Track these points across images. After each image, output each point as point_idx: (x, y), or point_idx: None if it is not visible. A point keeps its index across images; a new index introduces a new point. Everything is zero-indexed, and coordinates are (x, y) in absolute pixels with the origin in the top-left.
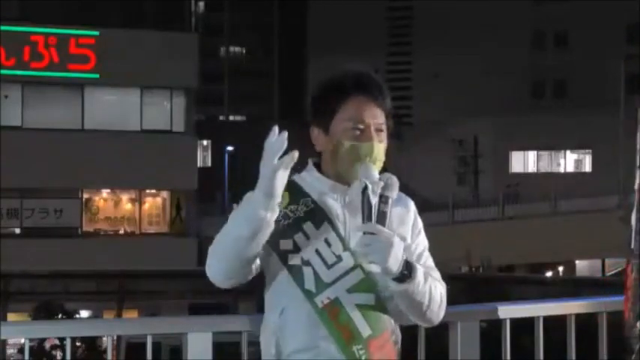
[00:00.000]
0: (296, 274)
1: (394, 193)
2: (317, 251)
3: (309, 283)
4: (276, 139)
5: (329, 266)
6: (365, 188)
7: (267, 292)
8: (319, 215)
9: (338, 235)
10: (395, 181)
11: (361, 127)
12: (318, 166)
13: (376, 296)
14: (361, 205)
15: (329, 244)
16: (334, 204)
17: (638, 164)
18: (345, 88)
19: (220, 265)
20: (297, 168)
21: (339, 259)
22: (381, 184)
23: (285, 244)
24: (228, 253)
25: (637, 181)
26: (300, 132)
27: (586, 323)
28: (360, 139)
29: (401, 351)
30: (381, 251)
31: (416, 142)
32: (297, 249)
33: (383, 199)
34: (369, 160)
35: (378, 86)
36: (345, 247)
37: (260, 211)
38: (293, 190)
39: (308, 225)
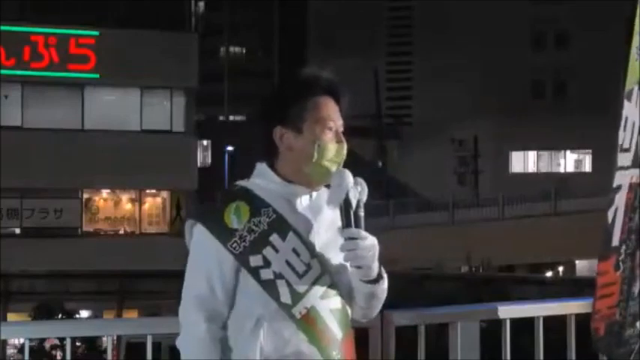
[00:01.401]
0: (269, 288)
1: (365, 196)
2: (287, 262)
3: (285, 296)
4: None
5: (300, 276)
6: (347, 193)
7: (237, 297)
8: (283, 225)
9: (304, 242)
10: (365, 185)
11: (334, 128)
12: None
13: (341, 299)
14: (340, 210)
15: (297, 254)
16: (295, 209)
17: (617, 165)
18: (319, 89)
19: None
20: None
21: (309, 267)
22: (359, 188)
23: (255, 261)
24: None
25: (618, 180)
26: None
27: (586, 323)
28: (336, 139)
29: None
30: (367, 256)
31: (416, 142)
32: (267, 263)
33: (359, 203)
34: (340, 162)
35: (342, 90)
36: (313, 254)
37: None
38: (251, 200)
39: (274, 237)
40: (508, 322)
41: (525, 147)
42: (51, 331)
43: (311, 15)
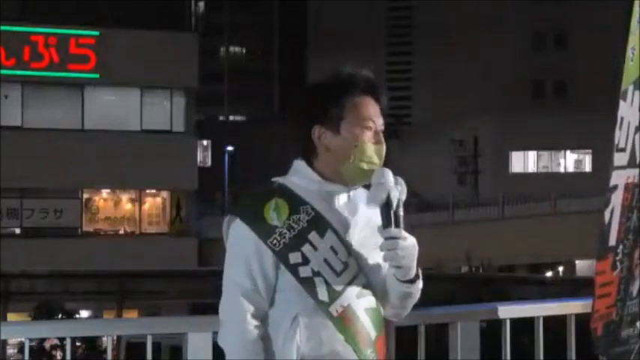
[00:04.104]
0: (308, 285)
1: (404, 195)
2: (325, 260)
3: (323, 294)
4: None
5: (338, 274)
6: (388, 192)
7: (275, 295)
8: (321, 223)
9: (341, 240)
10: (404, 185)
11: (373, 128)
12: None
13: (375, 298)
14: (381, 209)
15: (335, 252)
16: (332, 208)
17: (613, 165)
18: (357, 89)
19: None
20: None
21: (346, 265)
22: (399, 187)
23: (295, 258)
24: None
25: (614, 180)
26: None
27: (586, 323)
28: (374, 140)
29: (396, 350)
30: (407, 255)
31: (416, 142)
32: (306, 261)
33: (398, 202)
34: (378, 163)
35: (380, 88)
36: (350, 253)
37: None
38: (290, 197)
39: (313, 235)
40: (508, 322)
41: (525, 147)
42: (51, 331)
43: (311, 15)
